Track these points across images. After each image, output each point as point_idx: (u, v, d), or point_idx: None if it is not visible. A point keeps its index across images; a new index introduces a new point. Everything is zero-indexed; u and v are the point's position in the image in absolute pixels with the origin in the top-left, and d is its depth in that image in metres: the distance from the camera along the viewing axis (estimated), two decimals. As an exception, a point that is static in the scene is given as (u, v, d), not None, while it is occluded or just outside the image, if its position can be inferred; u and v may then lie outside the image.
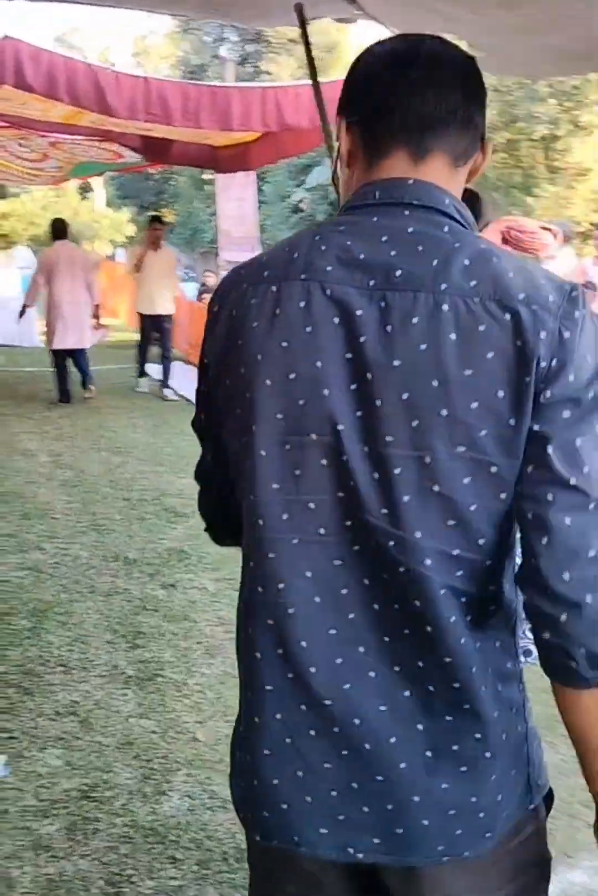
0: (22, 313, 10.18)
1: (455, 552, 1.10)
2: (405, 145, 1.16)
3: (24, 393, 10.30)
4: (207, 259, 24.64)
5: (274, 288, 1.15)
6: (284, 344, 1.13)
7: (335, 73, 11.71)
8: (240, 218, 11.14)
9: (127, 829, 2.75)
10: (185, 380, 9.97)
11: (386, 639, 1.13)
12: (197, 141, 8.82)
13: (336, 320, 1.11)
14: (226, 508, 1.31)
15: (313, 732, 1.16)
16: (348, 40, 23.00)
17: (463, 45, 3.46)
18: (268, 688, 1.18)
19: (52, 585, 4.66)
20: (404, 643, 1.13)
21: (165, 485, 6.47)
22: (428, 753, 1.13)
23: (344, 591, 1.14)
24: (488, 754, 1.15)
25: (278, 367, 1.13)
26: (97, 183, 18.00)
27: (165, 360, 10.26)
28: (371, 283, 1.10)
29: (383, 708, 1.14)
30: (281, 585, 1.15)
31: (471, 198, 2.58)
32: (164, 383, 10.19)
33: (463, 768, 1.14)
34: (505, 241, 3.19)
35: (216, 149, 9.04)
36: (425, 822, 1.14)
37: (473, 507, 1.09)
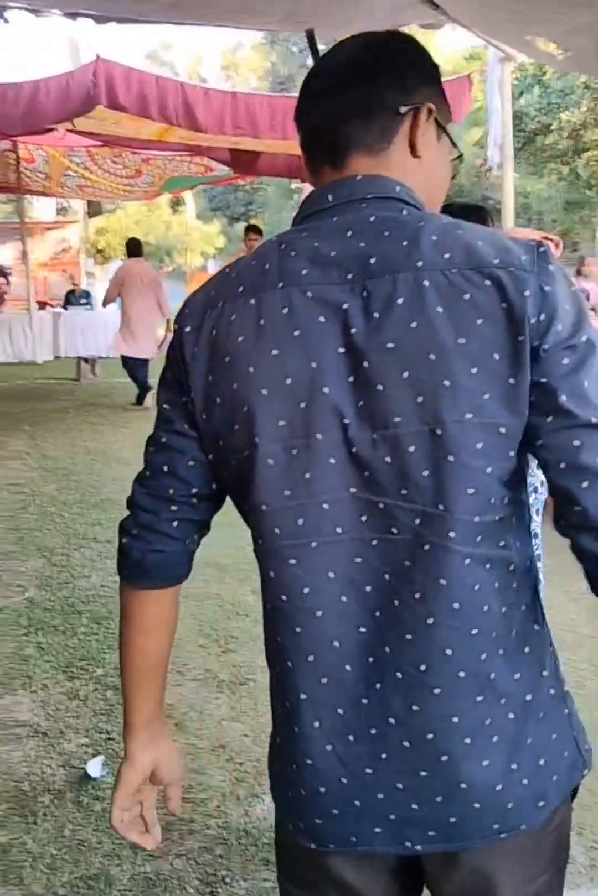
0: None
1: (477, 518, 1.10)
2: (325, 157, 1.20)
3: (119, 403, 10.59)
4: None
5: (252, 300, 1.15)
6: (275, 352, 1.12)
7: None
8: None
9: (221, 831, 2.79)
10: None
11: (409, 636, 1.12)
12: (284, 151, 8.90)
13: (322, 319, 1.11)
14: (178, 532, 1.32)
15: (351, 737, 1.16)
16: (435, 45, 22.85)
17: (551, 47, 3.44)
18: (303, 696, 1.17)
19: (148, 591, 4.76)
20: (426, 636, 1.11)
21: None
22: (467, 740, 1.13)
23: (367, 589, 1.13)
24: (511, 715, 1.14)
25: (273, 375, 1.12)
26: (188, 196, 18.31)
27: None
28: (349, 275, 1.11)
29: (415, 708, 1.13)
30: (306, 590, 1.15)
31: (477, 212, 2.55)
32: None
33: (495, 738, 1.13)
34: None
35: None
36: (477, 805, 1.14)
37: (488, 471, 1.09)
